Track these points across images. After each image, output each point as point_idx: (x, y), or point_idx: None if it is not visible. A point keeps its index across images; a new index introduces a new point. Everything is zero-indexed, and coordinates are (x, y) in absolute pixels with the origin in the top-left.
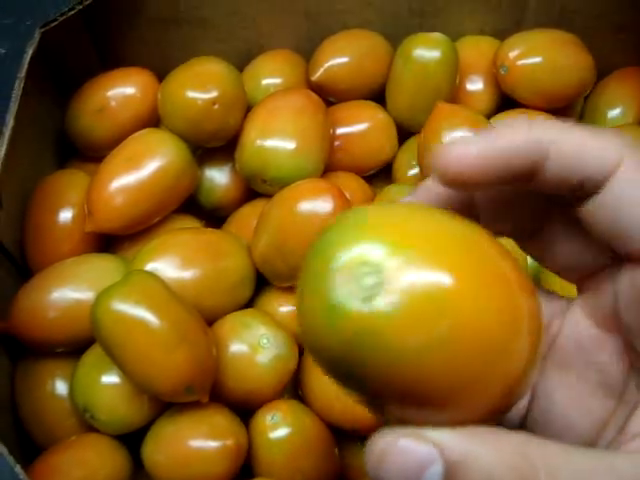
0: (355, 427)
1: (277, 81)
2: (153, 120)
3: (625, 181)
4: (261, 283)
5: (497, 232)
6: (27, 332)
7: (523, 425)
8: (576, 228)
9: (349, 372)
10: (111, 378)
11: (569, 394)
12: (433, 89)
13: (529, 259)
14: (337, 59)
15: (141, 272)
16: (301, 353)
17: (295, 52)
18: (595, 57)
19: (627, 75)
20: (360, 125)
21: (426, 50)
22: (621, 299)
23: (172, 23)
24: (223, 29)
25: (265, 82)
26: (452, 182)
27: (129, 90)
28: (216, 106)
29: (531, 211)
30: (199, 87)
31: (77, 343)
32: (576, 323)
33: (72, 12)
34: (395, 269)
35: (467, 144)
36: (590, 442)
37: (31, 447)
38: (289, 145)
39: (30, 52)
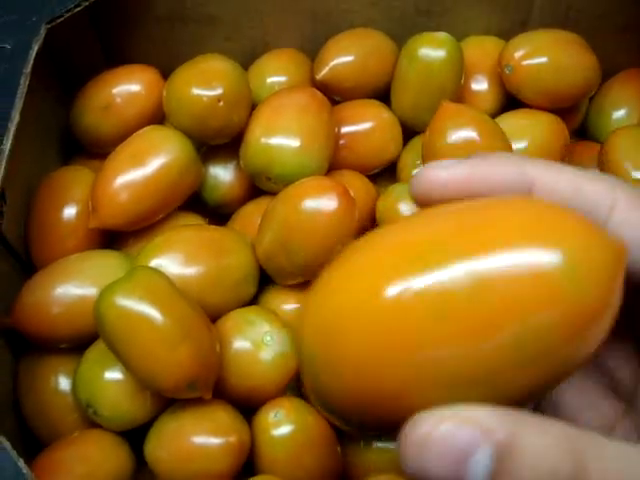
0: None
1: (282, 79)
2: (158, 117)
3: (619, 224)
4: (265, 280)
5: None
6: (31, 328)
7: None
8: None
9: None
10: (114, 374)
11: (579, 395)
12: (438, 88)
13: None
14: (342, 58)
15: (145, 268)
16: None
17: (300, 51)
18: (599, 57)
19: (632, 76)
20: (365, 124)
21: (431, 49)
22: (634, 309)
23: (178, 20)
24: (229, 27)
25: (270, 80)
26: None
27: (134, 87)
28: (221, 103)
29: None
30: (204, 84)
31: (80, 339)
32: None
33: (78, 9)
34: None
35: (446, 168)
36: None
37: (34, 442)
38: (294, 143)
39: (36, 48)
